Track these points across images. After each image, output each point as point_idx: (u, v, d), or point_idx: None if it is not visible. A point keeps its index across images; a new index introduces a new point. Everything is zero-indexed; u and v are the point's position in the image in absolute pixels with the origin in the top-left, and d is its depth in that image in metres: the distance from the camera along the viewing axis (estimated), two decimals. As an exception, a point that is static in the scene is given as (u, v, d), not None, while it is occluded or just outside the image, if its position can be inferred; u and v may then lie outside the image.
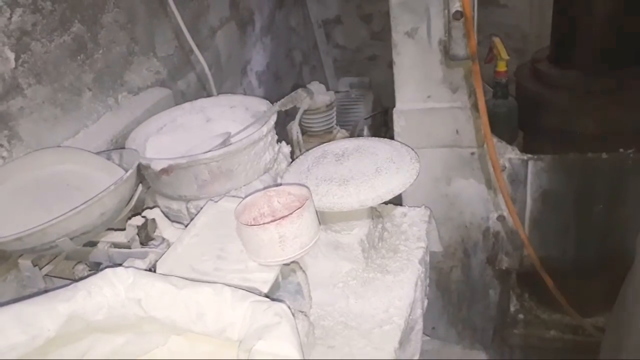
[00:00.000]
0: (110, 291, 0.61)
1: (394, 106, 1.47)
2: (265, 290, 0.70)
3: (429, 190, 1.51)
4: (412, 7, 1.29)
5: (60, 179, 0.89)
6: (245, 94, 1.74)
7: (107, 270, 0.63)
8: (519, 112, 1.48)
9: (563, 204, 1.44)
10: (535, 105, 1.47)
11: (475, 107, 1.36)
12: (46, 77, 1.01)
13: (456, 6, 1.14)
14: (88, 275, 0.70)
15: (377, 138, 1.06)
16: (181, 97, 1.45)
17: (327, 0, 2.60)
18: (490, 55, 1.46)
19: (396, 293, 0.92)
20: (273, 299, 0.63)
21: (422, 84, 1.39)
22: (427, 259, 1.06)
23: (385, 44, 2.57)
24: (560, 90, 1.40)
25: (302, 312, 0.81)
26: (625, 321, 1.00)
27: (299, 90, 1.22)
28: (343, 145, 1.03)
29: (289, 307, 0.59)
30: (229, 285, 0.63)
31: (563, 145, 1.39)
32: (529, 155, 1.43)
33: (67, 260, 0.88)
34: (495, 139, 1.36)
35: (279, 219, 0.71)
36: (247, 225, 0.73)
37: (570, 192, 1.41)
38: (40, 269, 0.84)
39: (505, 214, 1.49)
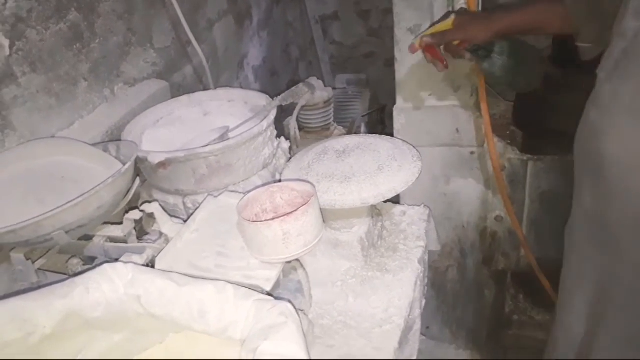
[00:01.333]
0: (108, 287, 0.59)
1: (391, 104, 1.46)
2: (268, 288, 0.69)
3: (427, 189, 1.51)
4: (416, 3, 1.28)
5: (55, 171, 0.86)
6: (241, 88, 1.72)
7: (106, 265, 0.61)
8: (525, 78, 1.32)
9: (562, 205, 1.43)
10: (536, 106, 1.46)
11: (476, 106, 1.36)
12: (41, 65, 0.98)
13: (460, 3, 1.14)
14: (83, 270, 0.68)
15: (378, 135, 1.05)
16: (177, 90, 1.42)
17: (324, -4, 2.59)
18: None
19: (396, 292, 0.91)
20: (275, 298, 0.61)
21: (424, 82, 1.38)
22: (426, 258, 1.05)
23: (382, 41, 2.58)
24: (561, 91, 1.39)
25: (302, 310, 0.79)
26: (558, 316, 1.05)
27: (300, 85, 1.20)
28: (344, 141, 1.02)
29: (293, 306, 0.57)
30: (231, 283, 0.61)
31: (563, 147, 1.38)
32: (529, 156, 1.43)
33: (61, 254, 0.86)
34: (495, 139, 1.36)
35: (283, 215, 0.69)
36: (250, 221, 0.71)
37: (569, 193, 1.40)
38: (33, 262, 0.81)
39: (504, 214, 1.48)
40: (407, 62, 1.37)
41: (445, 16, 1.04)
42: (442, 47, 1.02)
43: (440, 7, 1.25)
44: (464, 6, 1.11)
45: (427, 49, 1.03)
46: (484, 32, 0.97)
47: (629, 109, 0.75)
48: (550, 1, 0.97)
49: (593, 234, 0.88)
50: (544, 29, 1.01)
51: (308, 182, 0.80)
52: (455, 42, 1.00)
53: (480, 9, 1.13)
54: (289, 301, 0.58)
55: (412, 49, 1.04)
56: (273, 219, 0.69)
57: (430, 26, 1.06)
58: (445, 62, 1.03)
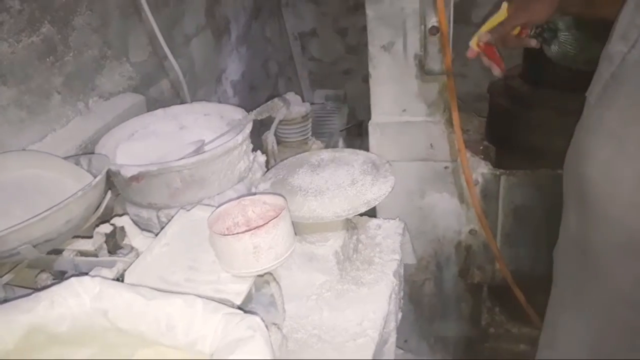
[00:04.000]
0: (74, 301, 0.58)
1: (368, 119, 1.47)
2: (239, 302, 0.68)
3: (403, 203, 1.52)
4: (389, 21, 1.30)
5: (25, 184, 0.85)
6: (219, 102, 1.72)
7: (72, 279, 0.60)
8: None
9: (534, 219, 1.46)
10: (508, 122, 1.49)
11: (449, 121, 1.38)
12: (12, 78, 0.98)
13: (432, 21, 1.16)
14: (52, 285, 0.67)
15: (353, 150, 1.06)
16: (154, 104, 1.42)
17: (303, 12, 2.61)
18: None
19: (370, 306, 0.91)
20: (246, 311, 0.61)
21: (398, 98, 1.40)
22: (401, 271, 1.06)
23: (360, 58, 2.61)
24: (532, 108, 1.43)
25: (275, 324, 0.79)
26: (549, 337, 1.02)
27: (276, 100, 1.21)
28: (319, 155, 1.03)
29: (262, 320, 0.57)
30: (201, 297, 0.61)
31: (535, 162, 1.41)
32: (502, 171, 1.45)
33: (30, 268, 0.84)
34: (468, 154, 1.38)
35: (254, 228, 0.69)
36: (220, 234, 0.71)
37: (542, 207, 1.43)
38: (0, 277, 0.80)
39: (478, 228, 1.50)
40: (381, 79, 1.39)
41: (495, 11, 0.95)
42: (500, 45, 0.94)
43: (412, 25, 1.28)
44: (435, 24, 1.14)
45: (486, 48, 0.94)
46: (548, 5, 0.88)
47: (613, 135, 0.74)
48: None
49: (577, 257, 0.87)
50: (599, 4, 0.87)
51: (280, 195, 0.80)
52: (516, 32, 0.92)
53: (451, 28, 1.15)
54: (258, 315, 0.58)
55: (470, 54, 0.96)
56: (244, 232, 0.69)
57: (483, 23, 0.96)
58: (502, 65, 0.95)
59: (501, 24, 0.92)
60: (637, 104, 0.71)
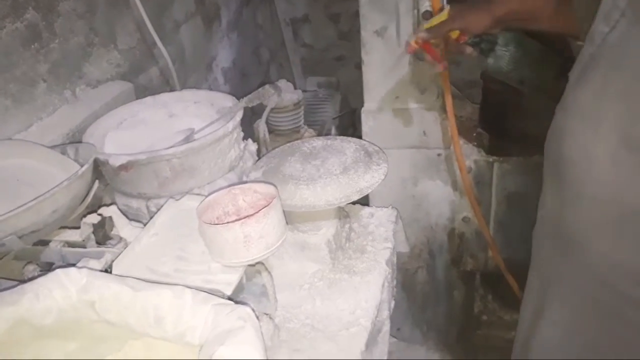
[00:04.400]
0: (60, 293, 0.57)
1: (361, 107, 1.46)
2: (229, 292, 0.67)
3: (396, 191, 1.51)
4: (382, 5, 1.28)
5: (10, 174, 0.83)
6: (210, 90, 1.70)
7: (58, 270, 0.59)
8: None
9: (528, 206, 1.45)
10: (501, 108, 1.48)
11: (442, 108, 1.37)
12: (-4, 65, 0.95)
13: (425, 6, 1.14)
14: (39, 276, 0.66)
15: (345, 137, 1.05)
16: (143, 92, 1.39)
17: (294, -2, 2.59)
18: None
19: (363, 294, 0.91)
20: (237, 302, 0.60)
21: (391, 84, 1.39)
22: (394, 259, 1.05)
23: (353, 45, 2.58)
24: (526, 94, 1.42)
25: (267, 314, 0.78)
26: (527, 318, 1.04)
27: (267, 87, 1.19)
28: (311, 143, 1.01)
29: (253, 310, 0.56)
30: (190, 288, 0.60)
31: (528, 148, 1.41)
32: (495, 157, 1.44)
33: (16, 260, 0.83)
34: (461, 141, 1.37)
35: (244, 217, 0.68)
36: (209, 224, 0.70)
37: (535, 194, 1.43)
38: (-15, 269, 0.78)
39: (471, 215, 1.50)
40: (374, 65, 1.37)
41: (440, 10, 0.97)
42: (441, 46, 0.95)
43: (405, 9, 1.26)
44: (429, 9, 1.12)
45: (425, 47, 0.95)
46: (484, 18, 0.88)
47: (587, 115, 0.75)
48: None
49: (550, 235, 0.89)
50: (540, 20, 0.90)
51: (271, 183, 0.79)
52: (454, 36, 0.92)
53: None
54: (249, 305, 0.57)
55: (409, 49, 0.97)
56: (234, 221, 0.68)
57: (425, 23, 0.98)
58: (443, 63, 0.96)
59: (438, 26, 0.94)
60: (611, 83, 0.71)
